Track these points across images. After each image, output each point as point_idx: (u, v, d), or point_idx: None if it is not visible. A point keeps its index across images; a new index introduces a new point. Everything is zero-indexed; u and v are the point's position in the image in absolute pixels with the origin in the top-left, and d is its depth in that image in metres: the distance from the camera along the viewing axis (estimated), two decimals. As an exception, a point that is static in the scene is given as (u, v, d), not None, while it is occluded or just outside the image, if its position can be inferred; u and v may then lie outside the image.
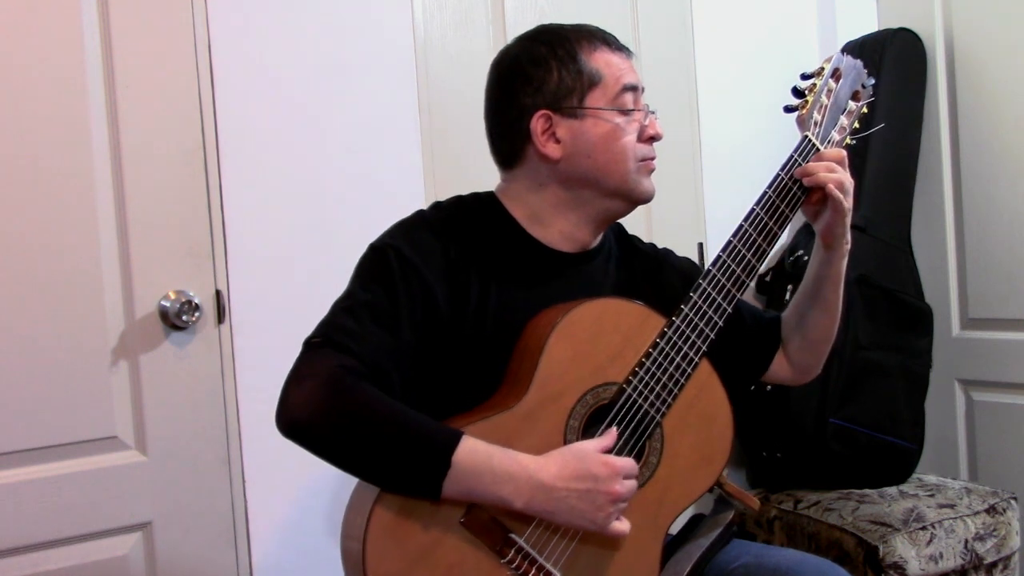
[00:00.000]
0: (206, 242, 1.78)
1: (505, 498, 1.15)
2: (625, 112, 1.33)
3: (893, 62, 2.45)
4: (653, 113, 1.38)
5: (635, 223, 1.71)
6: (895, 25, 2.52)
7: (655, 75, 2.33)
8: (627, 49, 1.38)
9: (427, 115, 2.03)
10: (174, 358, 1.75)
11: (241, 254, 1.81)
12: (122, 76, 1.70)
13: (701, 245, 2.37)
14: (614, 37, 1.37)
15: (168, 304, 1.73)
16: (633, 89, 1.34)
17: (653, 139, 1.36)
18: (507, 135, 1.36)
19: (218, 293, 1.79)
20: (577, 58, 1.32)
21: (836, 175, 1.35)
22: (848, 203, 1.36)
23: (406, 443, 1.15)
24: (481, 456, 1.15)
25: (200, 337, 1.77)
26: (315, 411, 1.15)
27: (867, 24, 2.62)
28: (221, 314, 1.79)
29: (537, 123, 1.32)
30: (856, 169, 2.40)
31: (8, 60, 1.62)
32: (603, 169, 1.33)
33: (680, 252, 1.58)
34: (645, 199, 1.38)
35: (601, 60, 1.33)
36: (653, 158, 1.37)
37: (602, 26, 1.39)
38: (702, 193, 2.41)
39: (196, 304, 1.74)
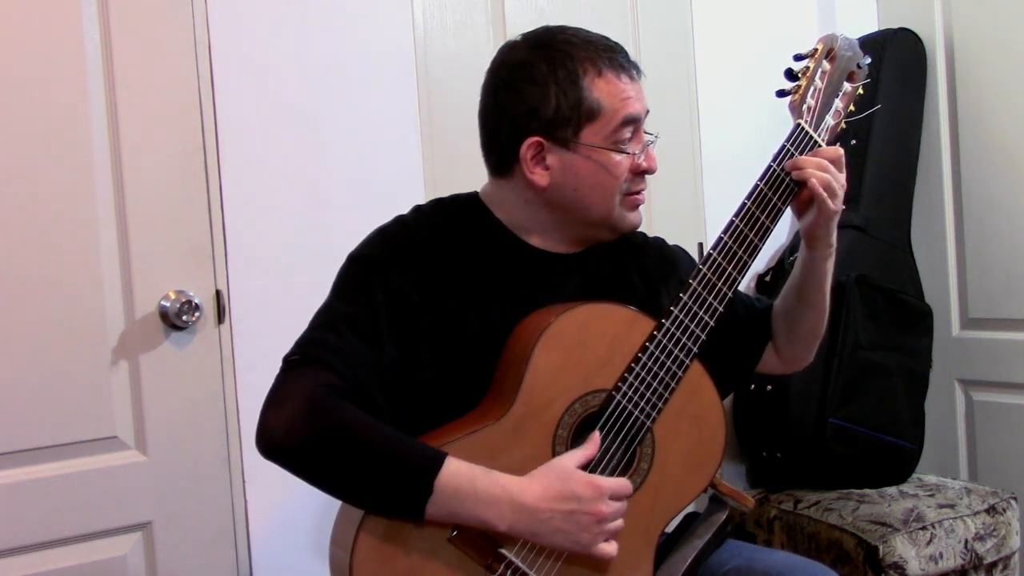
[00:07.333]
0: (206, 242, 1.78)
1: (488, 521, 1.14)
2: (620, 149, 1.28)
3: (893, 62, 2.45)
4: (652, 143, 1.32)
5: (635, 223, 1.71)
6: (895, 25, 2.52)
7: (655, 75, 2.31)
8: (636, 69, 1.30)
9: (427, 115, 2.02)
10: (174, 358, 1.75)
11: (241, 254, 1.81)
12: (122, 76, 1.70)
13: (701, 245, 2.37)
14: (625, 56, 1.30)
15: (168, 304, 1.73)
16: (635, 121, 1.28)
17: (646, 172, 1.32)
18: (497, 149, 1.32)
19: (218, 293, 1.79)
20: (579, 84, 1.25)
21: (824, 175, 1.30)
22: (834, 205, 1.31)
23: (387, 467, 1.13)
24: (464, 479, 1.13)
25: (200, 337, 1.77)
26: (294, 435, 1.13)
27: (867, 24, 2.62)
28: (221, 314, 1.79)
29: (528, 150, 1.27)
30: (856, 169, 2.41)
31: (8, 60, 1.62)
32: (587, 202, 1.29)
33: (680, 252, 1.57)
34: (629, 231, 1.35)
35: (604, 89, 1.26)
36: (640, 191, 1.33)
37: (601, 27, 1.35)
38: (702, 193, 2.41)
39: (196, 304, 1.74)
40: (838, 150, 1.35)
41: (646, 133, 1.33)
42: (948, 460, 2.51)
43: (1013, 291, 2.35)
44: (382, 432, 1.15)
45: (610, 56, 1.28)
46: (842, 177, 1.33)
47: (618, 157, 1.28)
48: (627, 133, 1.28)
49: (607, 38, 1.31)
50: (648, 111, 1.32)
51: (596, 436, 1.21)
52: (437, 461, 1.13)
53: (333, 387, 1.16)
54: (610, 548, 1.19)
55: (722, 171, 2.42)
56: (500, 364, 1.26)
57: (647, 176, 1.33)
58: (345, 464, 1.14)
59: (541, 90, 1.26)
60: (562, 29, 1.31)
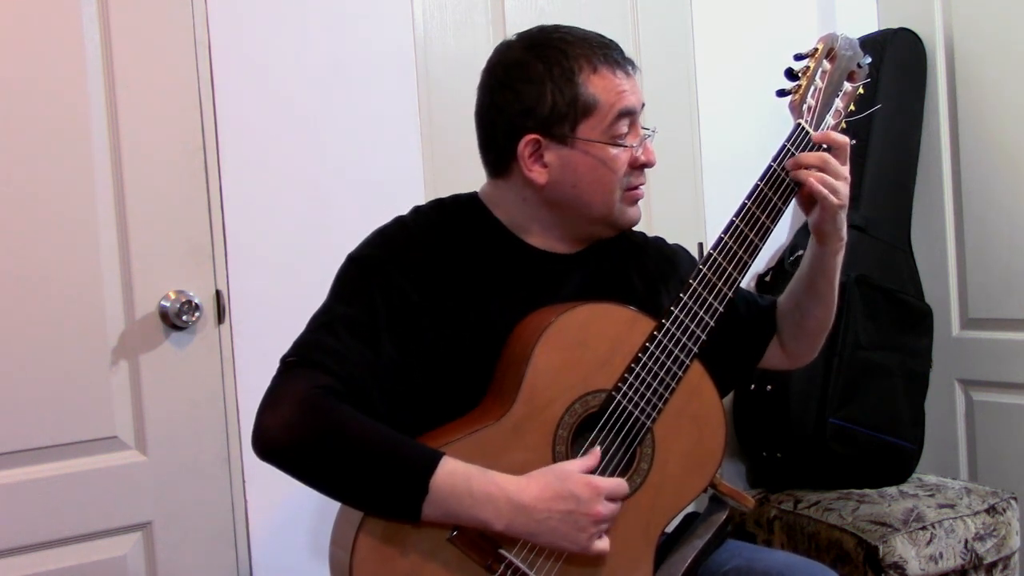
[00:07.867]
0: (206, 242, 1.78)
1: (485, 520, 1.14)
2: (617, 143, 1.28)
3: (893, 62, 2.45)
4: (650, 137, 1.32)
5: (635, 223, 1.71)
6: (895, 25, 2.52)
7: (655, 75, 2.33)
8: (631, 64, 1.31)
9: (427, 115, 2.02)
10: (174, 358, 1.75)
11: (241, 254, 1.81)
12: (122, 76, 1.70)
13: (701, 245, 2.37)
14: (619, 52, 1.30)
15: (168, 304, 1.73)
16: (630, 113, 1.28)
17: (645, 166, 1.32)
18: (494, 148, 1.32)
19: (218, 293, 1.79)
20: (574, 80, 1.25)
21: (822, 173, 1.30)
22: (837, 200, 1.30)
23: (383, 467, 1.13)
24: (460, 479, 1.13)
25: (200, 337, 1.77)
26: (290, 436, 1.13)
27: (867, 24, 2.62)
28: (221, 314, 1.79)
29: (525, 148, 1.27)
30: (856, 169, 2.41)
31: (8, 60, 1.62)
32: (586, 198, 1.29)
33: (680, 252, 1.57)
34: (628, 227, 1.35)
35: (599, 84, 1.26)
36: (640, 186, 1.33)
37: (601, 27, 1.36)
38: (702, 193, 2.41)
39: (196, 304, 1.74)
40: (844, 139, 1.34)
41: (643, 128, 1.33)
42: (948, 460, 2.51)
43: (1013, 291, 2.35)
44: (378, 432, 1.15)
45: (605, 52, 1.29)
46: (845, 170, 1.33)
47: (615, 151, 1.28)
48: (623, 127, 1.28)
49: (602, 35, 1.32)
50: (644, 104, 1.32)
51: (597, 450, 1.21)
52: (433, 461, 1.13)
53: (330, 389, 1.16)
54: (603, 544, 1.19)
55: (722, 171, 2.42)
56: (500, 364, 1.26)
57: (646, 170, 1.33)
58: (341, 465, 1.14)
59: (537, 88, 1.27)
60: (556, 28, 1.32)
